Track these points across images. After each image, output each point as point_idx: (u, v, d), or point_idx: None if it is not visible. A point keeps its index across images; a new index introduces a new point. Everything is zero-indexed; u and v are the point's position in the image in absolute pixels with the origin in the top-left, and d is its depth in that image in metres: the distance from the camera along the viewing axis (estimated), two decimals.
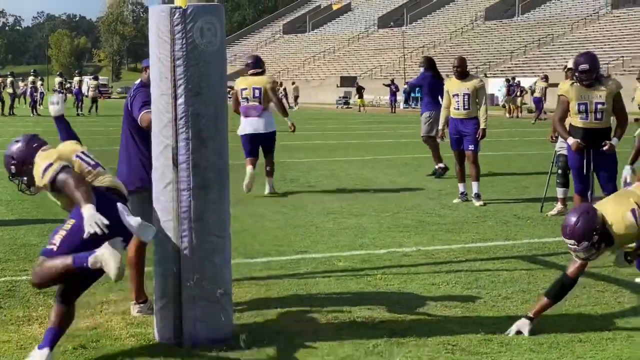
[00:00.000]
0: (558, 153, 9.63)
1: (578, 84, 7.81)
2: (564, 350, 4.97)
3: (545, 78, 35.81)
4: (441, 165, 13.39)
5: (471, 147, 10.51)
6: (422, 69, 13.83)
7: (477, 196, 10.51)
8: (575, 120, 7.90)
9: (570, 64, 8.98)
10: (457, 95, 10.56)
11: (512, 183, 12.74)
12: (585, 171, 7.85)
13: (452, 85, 10.69)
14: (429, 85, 13.41)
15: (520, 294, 6.27)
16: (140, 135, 5.68)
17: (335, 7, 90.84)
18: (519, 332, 5.26)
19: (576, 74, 7.77)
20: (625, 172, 6.85)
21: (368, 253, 7.71)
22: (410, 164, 15.36)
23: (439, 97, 12.43)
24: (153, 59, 5.04)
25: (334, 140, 22.68)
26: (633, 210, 5.07)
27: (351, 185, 12.52)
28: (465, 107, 10.49)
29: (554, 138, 9.61)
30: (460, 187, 10.80)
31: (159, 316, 5.10)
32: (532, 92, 37.06)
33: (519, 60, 57.69)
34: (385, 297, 6.16)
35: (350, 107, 51.75)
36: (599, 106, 7.75)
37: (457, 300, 6.08)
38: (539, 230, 8.84)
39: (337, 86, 62.32)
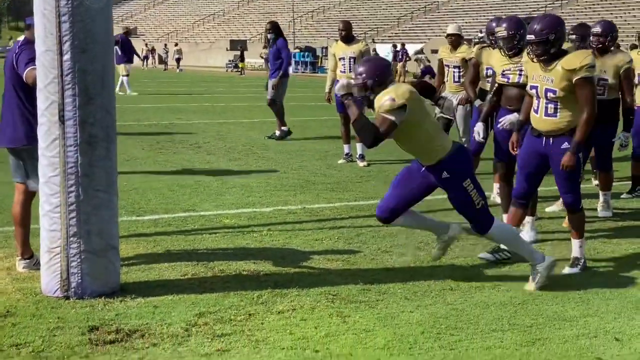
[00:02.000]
0: (437, 116, 10.01)
1: (491, 48, 8.16)
2: (436, 298, 5.31)
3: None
4: (284, 128, 13.73)
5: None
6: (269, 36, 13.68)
7: (361, 157, 10.85)
8: (483, 83, 8.31)
9: (451, 30, 9.37)
10: (343, 58, 10.83)
11: (394, 144, 13.10)
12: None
13: (339, 49, 10.94)
14: (276, 52, 13.50)
15: (398, 247, 6.60)
16: (26, 93, 5.65)
17: None
18: None
19: (491, 38, 8.10)
20: (478, 128, 7.13)
21: (254, 211, 7.90)
22: (297, 126, 15.56)
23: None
24: (38, 15, 5.03)
25: (223, 102, 22.68)
26: (594, 64, 5.67)
27: (239, 147, 12.64)
28: (351, 70, 10.76)
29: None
30: (345, 148, 11.12)
31: (46, 270, 5.16)
32: (422, 60, 37.80)
33: (405, 27, 58.62)
34: (270, 252, 6.38)
35: (239, 71, 51.56)
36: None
37: (339, 254, 6.36)
38: None
39: (227, 49, 61.86)
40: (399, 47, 40.46)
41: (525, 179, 6.04)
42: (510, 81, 6.68)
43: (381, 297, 5.29)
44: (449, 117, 9.83)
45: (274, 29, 13.54)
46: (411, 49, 44.43)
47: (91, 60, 5.01)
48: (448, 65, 9.54)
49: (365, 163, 10.78)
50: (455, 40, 9.45)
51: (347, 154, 11.10)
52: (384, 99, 5.27)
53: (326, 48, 52.38)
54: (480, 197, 5.51)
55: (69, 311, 4.85)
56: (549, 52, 5.67)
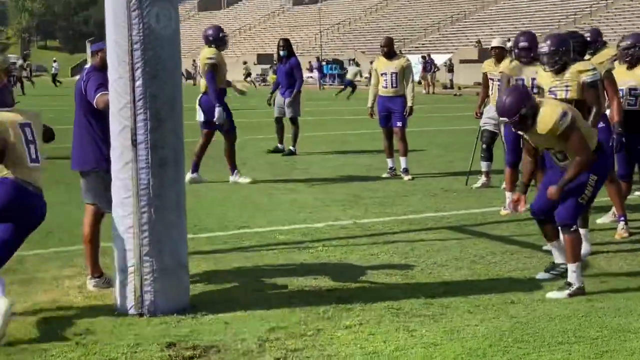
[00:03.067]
0: (482, 128, 10.12)
1: (517, 61, 8.26)
2: (498, 312, 5.40)
3: None
4: (280, 146, 13.99)
5: (399, 123, 10.95)
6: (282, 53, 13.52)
7: (406, 171, 10.98)
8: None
9: (495, 43, 9.48)
10: (385, 74, 10.97)
11: (436, 158, 13.27)
12: (520, 142, 8.37)
13: (381, 64, 11.08)
14: (289, 70, 13.47)
15: (454, 261, 6.71)
16: (95, 118, 5.84)
17: None
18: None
19: (515, 51, 8.22)
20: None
21: (307, 227, 8.05)
22: (335, 140, 15.74)
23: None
24: (110, 43, 5.23)
25: (257, 118, 22.86)
26: (565, 112, 5.71)
27: (281, 163, 12.81)
28: (393, 85, 10.90)
29: (479, 114, 10.11)
30: (389, 163, 11.25)
31: (120, 289, 5.33)
32: (449, 68, 37.94)
33: (432, 37, 58.74)
34: (328, 268, 6.51)
35: (268, 84, 51.81)
36: (535, 82, 8.22)
37: (396, 268, 6.48)
38: (465, 202, 9.35)
39: (255, 64, 62.29)
40: (427, 59, 40.52)
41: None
42: (557, 97, 6.75)
43: (444, 311, 5.40)
44: (494, 130, 9.94)
45: (287, 46, 13.55)
46: (440, 59, 44.49)
47: (161, 86, 5.19)
48: (492, 79, 9.64)
49: (410, 177, 10.91)
50: (499, 54, 9.54)
51: (391, 168, 11.23)
52: (555, 118, 5.64)
53: (353, 60, 52.61)
54: (588, 197, 5.82)
55: (144, 328, 5.01)
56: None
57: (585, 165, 5.72)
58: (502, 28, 52.14)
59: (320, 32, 61.12)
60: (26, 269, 6.43)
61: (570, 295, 5.71)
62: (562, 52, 6.49)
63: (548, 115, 5.71)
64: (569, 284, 5.79)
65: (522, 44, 8.13)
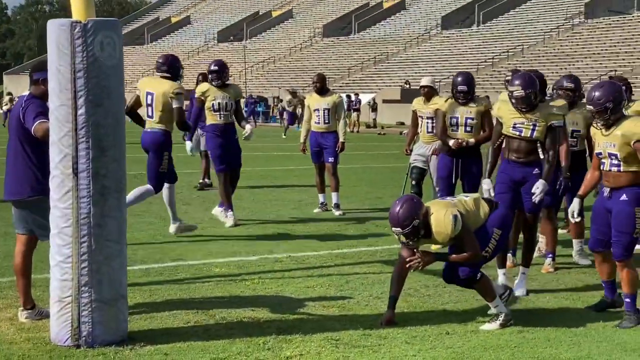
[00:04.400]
0: (412, 165, 10.31)
1: (453, 100, 8.49)
2: (434, 342, 5.51)
3: None
4: (207, 180, 13.90)
5: (331, 159, 11.08)
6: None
7: (337, 206, 11.09)
8: (448, 132, 8.57)
9: (424, 82, 9.73)
10: (318, 110, 11.10)
11: (365, 194, 13.43)
12: (453, 179, 8.56)
13: (313, 101, 11.22)
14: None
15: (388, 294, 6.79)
16: (32, 146, 5.76)
17: (174, 20, 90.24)
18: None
19: (454, 91, 8.44)
20: (486, 185, 7.13)
21: (242, 260, 8.05)
22: (265, 176, 15.78)
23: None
24: (52, 70, 5.20)
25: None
26: (455, 216, 5.76)
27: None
28: (326, 121, 11.05)
29: (408, 151, 10.31)
30: (321, 198, 11.35)
31: (56, 319, 5.24)
32: (373, 108, 38.45)
33: (356, 77, 59.55)
34: (265, 299, 6.53)
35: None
36: (469, 121, 8.45)
37: (333, 300, 6.54)
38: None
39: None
40: (353, 97, 41.02)
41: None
42: (522, 135, 6.84)
43: (382, 342, 5.48)
44: (423, 167, 10.13)
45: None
46: (363, 99, 45.07)
47: (105, 114, 5.18)
48: (421, 117, 9.85)
49: (341, 212, 11.02)
50: (429, 92, 9.78)
51: (322, 203, 11.33)
52: (449, 227, 5.74)
53: (277, 97, 52.90)
54: (492, 250, 6.00)
55: None
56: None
57: (473, 260, 5.86)
58: (422, 69, 53.25)
59: (245, 69, 61.34)
60: None
61: (502, 325, 5.88)
62: (535, 94, 6.69)
63: (442, 224, 5.74)
64: (497, 315, 5.95)
65: (460, 87, 8.35)
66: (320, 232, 9.74)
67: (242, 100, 47.71)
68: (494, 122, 7.47)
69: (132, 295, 6.50)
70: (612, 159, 5.99)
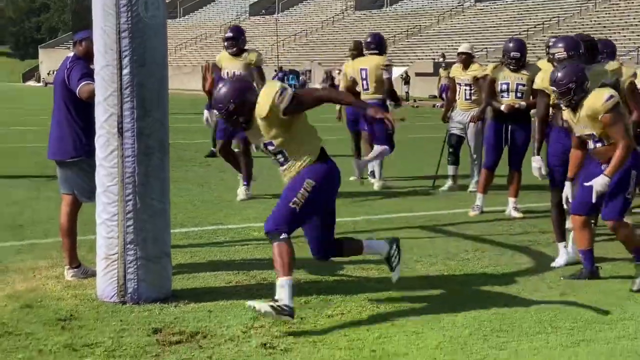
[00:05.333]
0: (450, 132, 10.29)
1: (504, 66, 8.46)
2: (475, 303, 5.50)
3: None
4: (213, 150, 13.62)
5: (366, 127, 11.04)
6: None
7: (373, 174, 11.08)
8: (497, 98, 8.56)
9: (463, 49, 9.69)
10: (354, 77, 11.06)
11: (402, 163, 13.42)
12: (502, 145, 8.55)
13: (350, 68, 11.17)
14: None
15: (428, 257, 6.82)
16: (76, 107, 5.83)
17: None
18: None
19: (505, 57, 8.43)
20: (536, 163, 6.83)
21: None
22: None
23: None
24: (97, 31, 5.25)
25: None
26: (612, 95, 5.79)
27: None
28: (365, 88, 11.00)
29: (447, 119, 10.29)
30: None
31: (103, 276, 5.33)
32: (405, 81, 38.23)
33: (388, 50, 59.26)
34: (305, 262, 6.53)
35: None
36: (520, 87, 8.42)
37: (372, 263, 6.56)
38: (434, 204, 9.50)
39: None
40: None
41: None
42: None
43: (423, 303, 5.50)
44: (461, 134, 10.11)
45: None
46: (396, 72, 44.82)
47: (149, 75, 5.22)
48: (459, 84, 9.83)
49: (378, 180, 11.01)
50: (467, 59, 9.74)
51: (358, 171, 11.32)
52: (600, 97, 5.78)
53: (309, 71, 52.83)
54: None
55: (128, 315, 5.02)
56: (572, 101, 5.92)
57: (626, 153, 5.78)
58: (456, 42, 52.74)
59: (277, 42, 61.25)
60: (0, 260, 6.38)
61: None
62: (579, 56, 6.44)
63: (596, 96, 5.81)
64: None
65: (513, 54, 8.34)
66: (356, 199, 9.76)
67: (272, 74, 47.52)
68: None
69: (174, 256, 6.55)
70: (593, 139, 5.92)
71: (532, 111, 9.07)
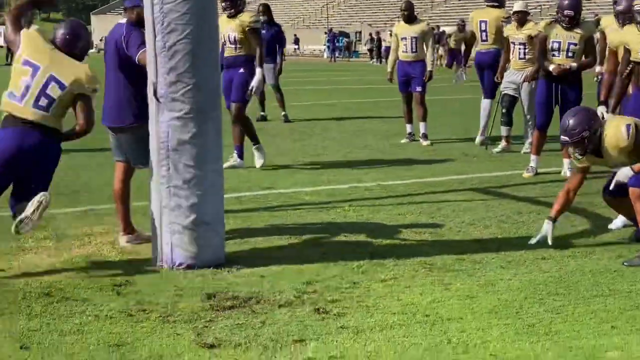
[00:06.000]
0: (503, 93, 10.11)
1: (556, 23, 8.25)
2: (530, 267, 5.44)
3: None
4: (262, 113, 13.76)
5: (418, 88, 10.95)
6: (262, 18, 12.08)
7: (425, 136, 11.00)
8: (548, 57, 8.35)
9: (517, 7, 9.50)
10: (405, 38, 10.94)
11: (453, 124, 13.30)
12: (553, 105, 8.36)
13: (401, 29, 11.05)
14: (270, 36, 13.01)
15: (482, 220, 6.74)
16: (132, 74, 5.81)
17: None
18: (543, 238, 5.79)
19: (559, 15, 8.20)
20: (601, 109, 6.74)
21: (332, 188, 8.09)
22: (351, 108, 15.74)
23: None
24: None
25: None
26: (628, 125, 5.53)
27: (300, 128, 12.83)
28: (413, 50, 10.88)
29: (499, 79, 10.11)
30: (408, 128, 11.27)
31: (156, 243, 5.37)
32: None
33: (439, 9, 58.47)
34: (357, 226, 6.55)
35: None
36: (572, 46, 8.23)
37: (425, 227, 6.51)
38: (486, 166, 9.39)
39: None
40: (437, 30, 40.23)
41: None
42: None
43: (477, 266, 5.43)
44: (514, 94, 9.94)
45: (266, 12, 13.11)
46: (447, 31, 44.19)
47: (181, 41, 5.16)
48: (514, 43, 9.64)
49: (428, 142, 10.93)
50: (522, 18, 9.54)
51: (409, 133, 11.26)
52: (620, 133, 5.45)
53: (359, 32, 52.42)
54: None
55: (182, 280, 5.06)
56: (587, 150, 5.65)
57: None
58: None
59: (327, 4, 60.84)
60: (57, 226, 6.47)
61: None
62: None
63: (614, 134, 5.51)
64: None
65: (567, 12, 8.11)
66: (408, 161, 9.69)
67: (323, 36, 46.94)
68: (621, 51, 6.81)
69: (227, 221, 6.56)
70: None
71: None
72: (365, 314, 4.50)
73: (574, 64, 8.21)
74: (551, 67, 8.22)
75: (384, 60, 43.21)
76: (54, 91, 5.13)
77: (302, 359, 3.81)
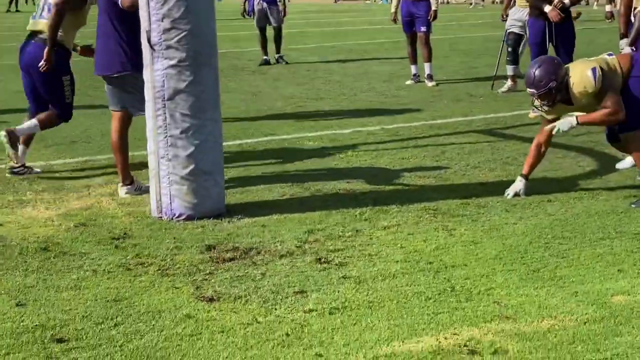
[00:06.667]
0: (508, 31, 9.90)
1: None
2: (536, 210, 5.35)
3: None
4: (265, 57, 13.55)
5: (423, 28, 10.73)
6: None
7: (430, 77, 10.82)
8: None
9: None
10: None
11: (459, 64, 13.09)
12: (547, 45, 8.15)
13: None
14: None
15: (487, 163, 6.63)
16: (120, 21, 5.68)
17: None
18: (516, 195, 5.62)
19: None
20: (623, 43, 6.48)
21: (334, 133, 7.97)
22: (355, 49, 15.50)
23: None
24: None
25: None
26: (594, 69, 5.28)
27: (302, 72, 12.64)
28: None
29: (504, 17, 9.89)
30: (413, 69, 11.08)
31: (155, 193, 5.28)
32: None
33: None
34: (360, 172, 6.45)
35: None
36: None
37: (429, 170, 6.41)
38: (493, 106, 9.24)
39: None
40: None
41: None
42: None
43: (481, 211, 5.34)
44: (520, 32, 9.73)
45: None
46: None
47: None
48: None
49: (434, 83, 10.75)
50: None
51: (414, 75, 11.07)
52: (586, 78, 5.22)
53: None
54: None
55: (182, 232, 4.98)
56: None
57: (614, 117, 5.32)
58: None
59: None
60: (55, 177, 6.39)
61: None
62: None
63: (581, 81, 5.28)
64: None
65: None
66: (413, 103, 9.53)
67: None
68: None
69: (227, 169, 6.47)
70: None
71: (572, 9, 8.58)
72: (368, 263, 4.43)
73: (567, 0, 7.99)
74: (546, 8, 8.00)
75: None
76: None
77: (303, 311, 3.74)
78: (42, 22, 6.29)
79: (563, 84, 5.33)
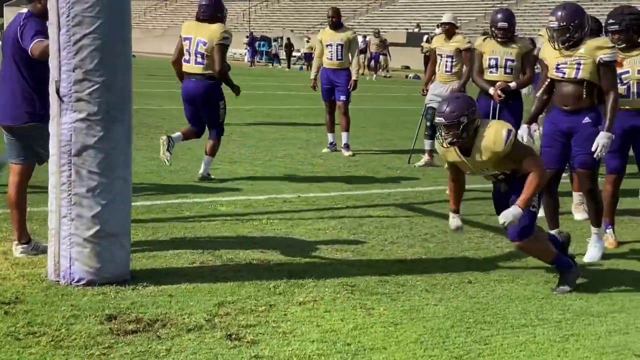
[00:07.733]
0: (428, 106, 9.89)
1: (491, 39, 8.01)
2: (457, 291, 5.16)
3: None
4: None
5: (342, 97, 10.65)
6: None
7: (347, 146, 10.70)
8: (485, 74, 8.10)
9: (446, 19, 9.26)
10: (331, 45, 10.64)
11: (376, 135, 13.04)
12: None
13: (326, 35, 10.74)
14: None
15: (405, 238, 6.45)
16: (28, 68, 5.33)
17: None
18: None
19: (492, 29, 7.95)
20: (521, 131, 6.26)
21: (249, 199, 7.68)
22: (271, 114, 15.33)
23: None
24: None
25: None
26: (509, 131, 5.08)
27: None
28: (338, 57, 10.58)
29: (425, 91, 9.89)
30: (330, 137, 10.96)
31: (53, 255, 4.88)
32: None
33: (361, 19, 58.60)
34: (275, 241, 6.17)
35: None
36: (509, 62, 7.99)
37: (346, 244, 6.18)
38: (410, 180, 9.12)
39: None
40: (360, 39, 40.35)
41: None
42: (566, 76, 5.91)
43: (401, 290, 5.12)
44: None
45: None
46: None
47: (89, 35, 4.68)
48: (441, 55, 9.42)
49: (350, 152, 10.63)
50: (450, 30, 9.32)
51: (331, 143, 10.94)
52: (499, 135, 5.03)
53: (281, 38, 52.02)
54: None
55: (80, 299, 4.58)
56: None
57: (541, 182, 5.13)
58: (430, 13, 52.34)
59: (249, 8, 60.33)
60: None
61: None
62: (574, 27, 5.78)
63: (493, 136, 5.05)
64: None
65: (500, 24, 7.87)
66: (329, 172, 9.36)
67: (245, 40, 46.69)
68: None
69: (134, 232, 6.12)
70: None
71: (524, 90, 8.67)
72: (282, 342, 4.13)
73: (513, 83, 7.99)
74: (491, 91, 7.97)
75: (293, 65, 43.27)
76: None
77: None
78: None
79: (472, 126, 5.07)
